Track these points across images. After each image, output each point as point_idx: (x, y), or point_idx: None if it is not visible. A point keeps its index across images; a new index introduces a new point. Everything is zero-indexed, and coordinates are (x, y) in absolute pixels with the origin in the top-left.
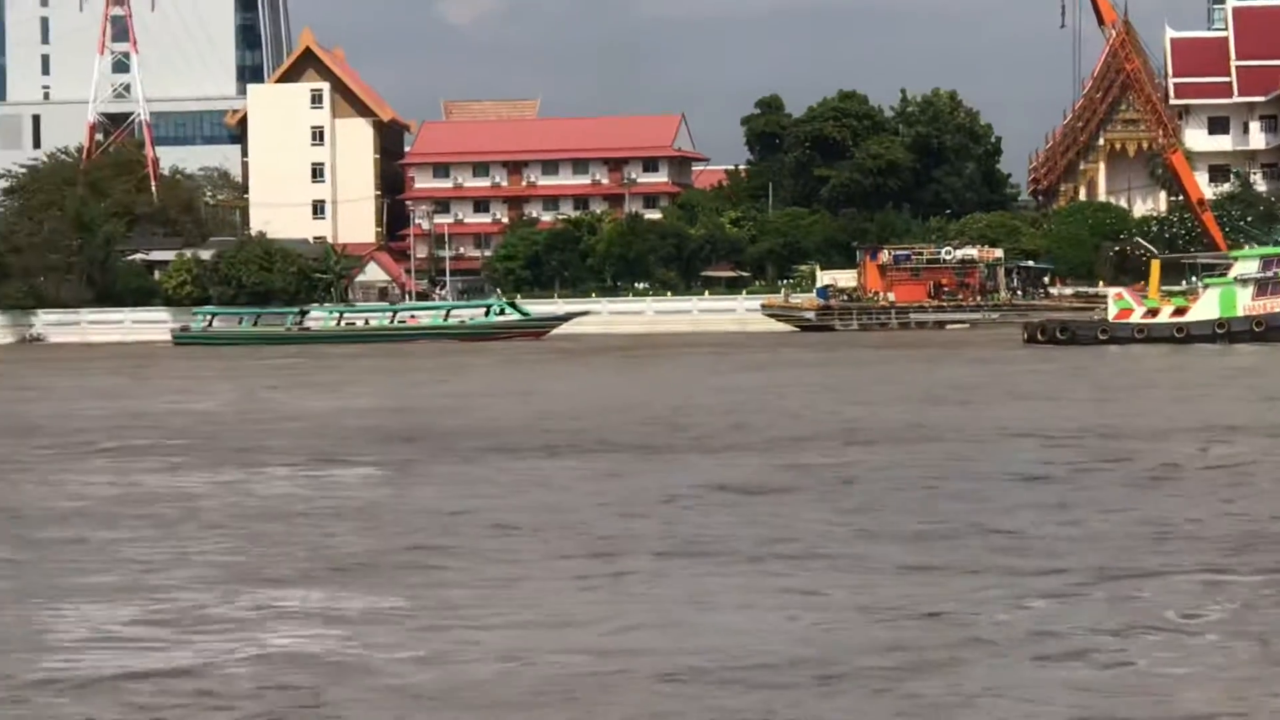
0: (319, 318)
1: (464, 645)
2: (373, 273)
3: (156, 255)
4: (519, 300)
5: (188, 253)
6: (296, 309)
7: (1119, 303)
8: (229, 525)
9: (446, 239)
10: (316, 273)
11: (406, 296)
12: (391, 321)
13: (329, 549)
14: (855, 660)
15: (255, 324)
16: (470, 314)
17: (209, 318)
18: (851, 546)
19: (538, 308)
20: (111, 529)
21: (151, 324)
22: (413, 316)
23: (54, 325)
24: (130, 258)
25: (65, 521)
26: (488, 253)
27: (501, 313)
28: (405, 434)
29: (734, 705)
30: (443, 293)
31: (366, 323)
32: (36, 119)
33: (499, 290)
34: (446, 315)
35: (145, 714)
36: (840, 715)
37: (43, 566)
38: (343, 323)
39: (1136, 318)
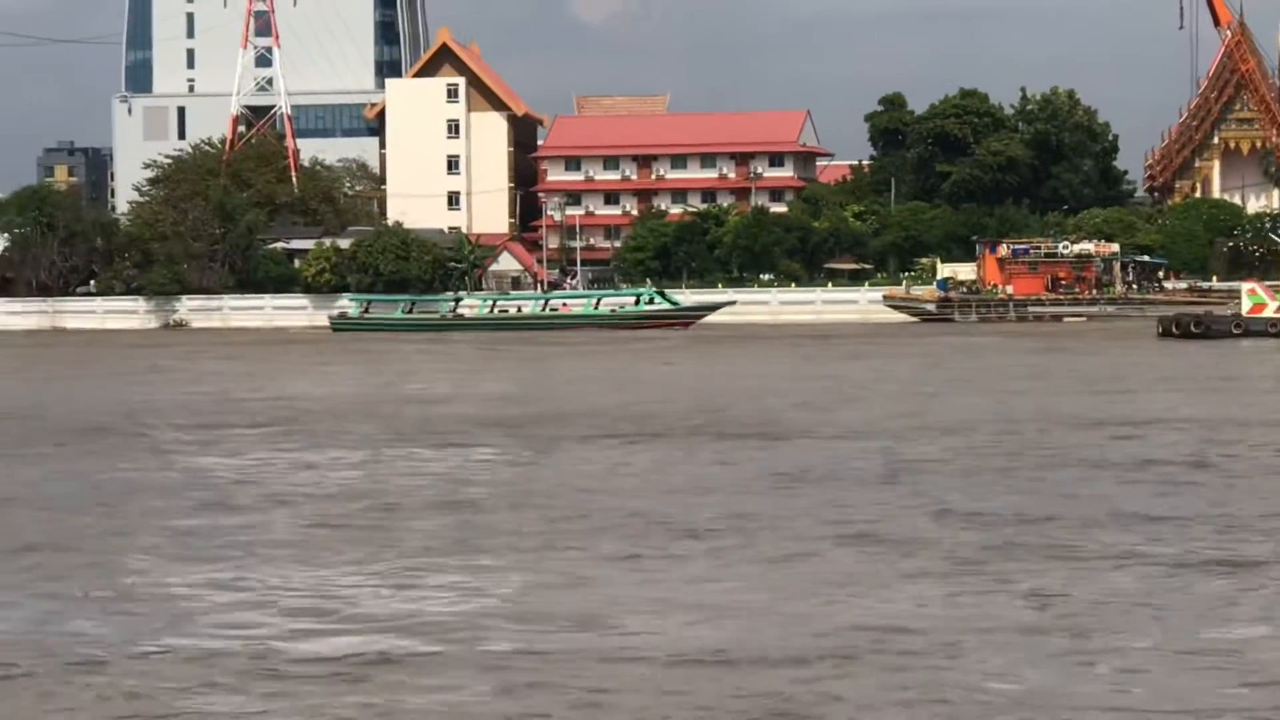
0: (473, 305)
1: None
2: (506, 262)
3: (296, 244)
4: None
5: (326, 241)
6: (452, 296)
7: (1252, 298)
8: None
9: (577, 230)
10: (451, 262)
11: (538, 286)
12: (543, 309)
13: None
14: None
15: (411, 310)
16: (620, 302)
17: (365, 304)
18: None
19: (685, 298)
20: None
21: (291, 310)
22: (564, 304)
23: (197, 310)
24: (271, 246)
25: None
26: (617, 243)
27: (651, 301)
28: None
29: None
30: (573, 282)
31: (519, 310)
32: (182, 111)
33: (647, 280)
34: (597, 304)
35: None
36: None
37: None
38: (496, 310)
39: (1270, 312)
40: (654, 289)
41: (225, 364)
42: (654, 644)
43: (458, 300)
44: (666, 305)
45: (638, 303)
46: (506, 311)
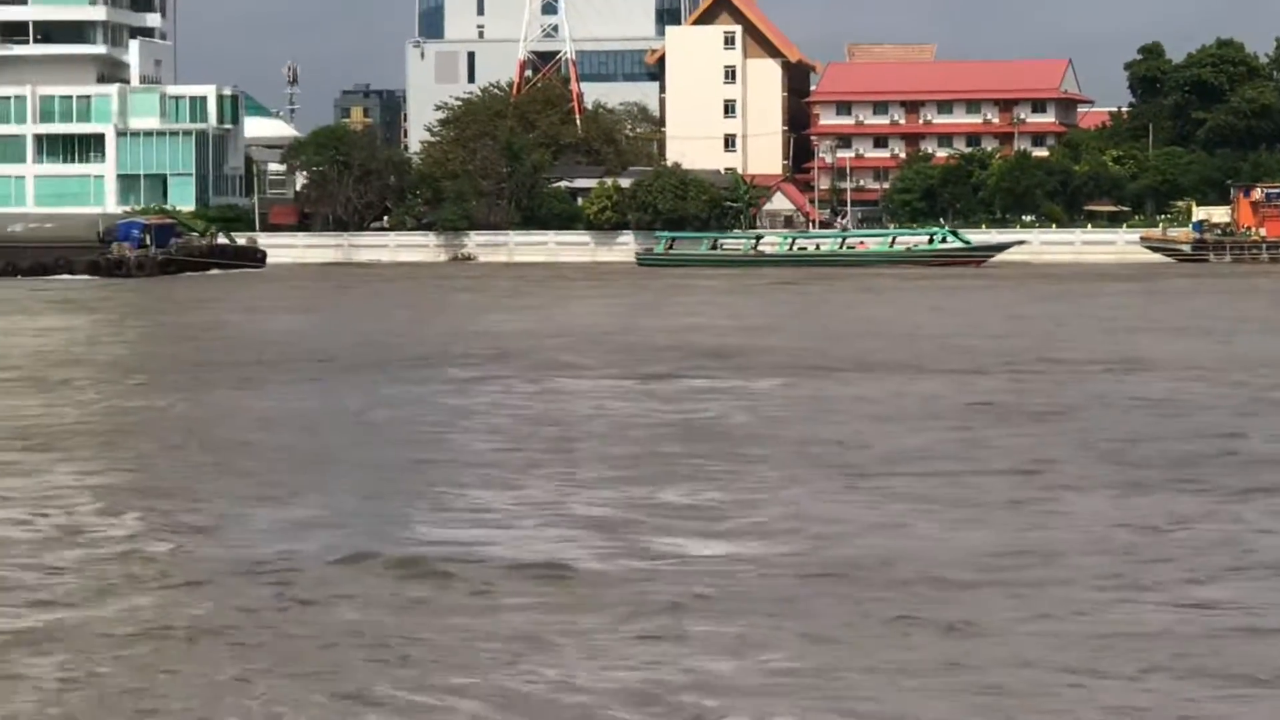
0: (773, 242)
1: None
2: (779, 202)
3: (579, 183)
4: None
5: (608, 181)
6: (754, 233)
7: None
8: None
9: (848, 172)
10: (727, 201)
11: (810, 225)
12: (840, 247)
13: None
14: None
15: (714, 247)
16: (914, 241)
17: (670, 240)
18: None
19: (976, 237)
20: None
21: (574, 246)
22: (861, 243)
23: (484, 245)
24: (555, 185)
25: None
26: (885, 185)
27: (944, 240)
28: None
29: None
30: (844, 221)
31: (818, 247)
32: (471, 56)
33: (940, 220)
34: (893, 242)
35: None
36: None
37: None
38: (795, 247)
39: None
40: (947, 228)
41: (580, 301)
42: None
43: (758, 238)
44: (959, 244)
45: (931, 241)
46: (805, 249)
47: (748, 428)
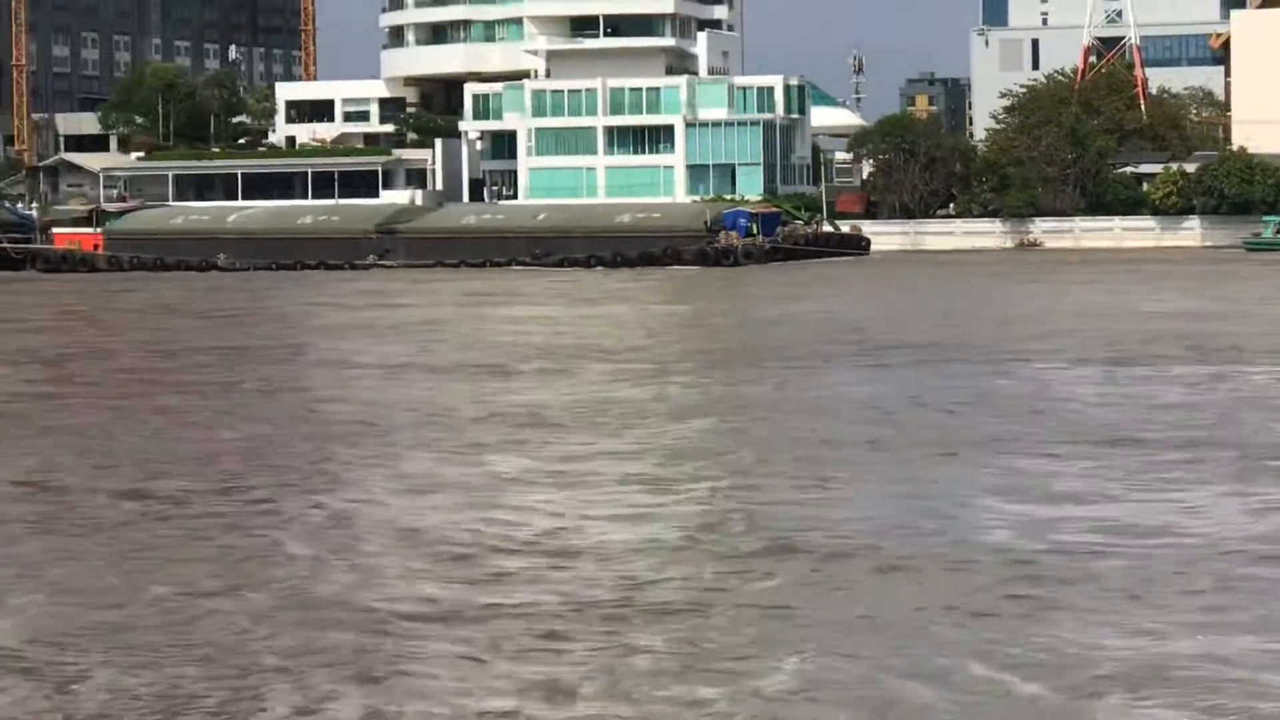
0: None
1: None
2: None
3: (1144, 168)
4: None
5: (1173, 166)
6: None
7: None
8: None
9: None
10: None
11: None
12: None
13: None
14: None
15: None
16: None
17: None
18: None
19: None
20: None
21: (1139, 231)
22: None
23: (1049, 232)
24: (1119, 170)
25: None
26: None
27: None
28: None
29: None
30: None
31: None
32: (1035, 43)
33: None
34: None
35: None
36: None
37: None
38: None
39: None
40: None
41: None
42: None
43: None
44: None
45: None
46: None
47: None
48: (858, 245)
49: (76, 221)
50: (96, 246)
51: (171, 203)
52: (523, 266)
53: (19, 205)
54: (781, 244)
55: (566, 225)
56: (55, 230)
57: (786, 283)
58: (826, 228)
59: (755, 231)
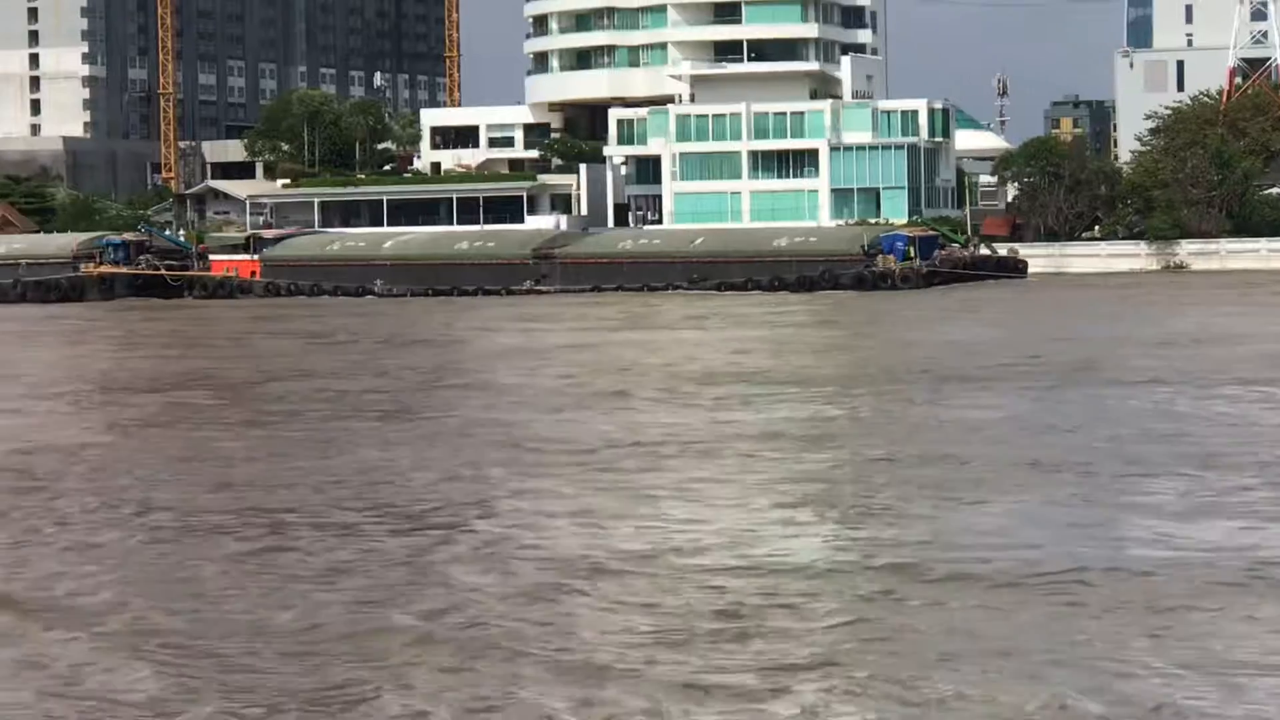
0: None
1: None
2: None
3: None
4: None
5: None
6: None
7: None
8: None
9: None
10: None
11: None
12: None
13: None
14: None
15: None
16: None
17: None
18: None
19: None
20: None
21: None
22: None
23: (1195, 253)
24: (1265, 191)
25: None
26: None
27: None
28: None
29: None
30: None
31: None
32: (1180, 64)
33: None
34: None
35: None
36: None
37: None
38: None
39: None
40: None
41: None
42: None
43: None
44: None
45: None
46: None
47: None
48: (1014, 268)
49: (233, 248)
50: (253, 273)
51: (327, 229)
52: (680, 291)
53: (168, 231)
54: (939, 267)
55: (723, 250)
56: (212, 257)
57: (947, 306)
58: (984, 250)
59: (913, 255)
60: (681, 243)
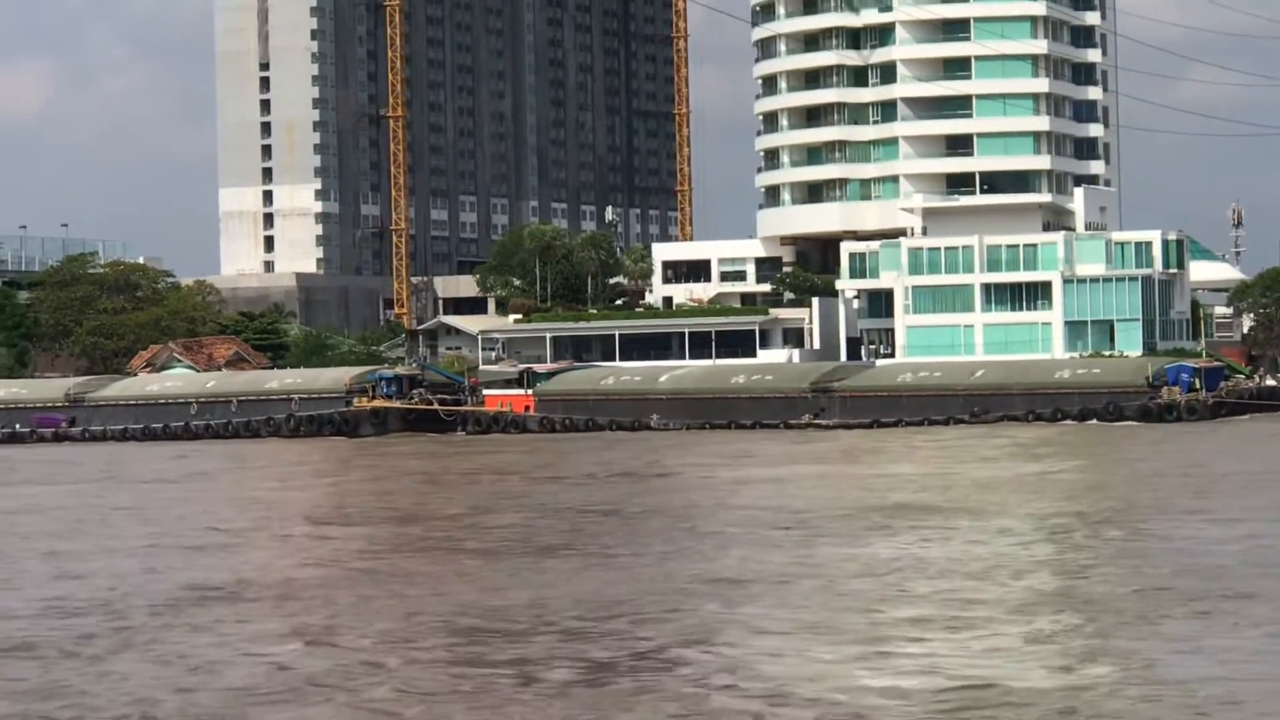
0: None
1: None
2: None
3: None
4: None
5: None
6: None
7: None
8: None
9: None
10: None
11: None
12: None
13: None
14: None
15: None
16: None
17: None
18: None
19: None
20: None
21: None
22: None
23: None
24: None
25: None
26: None
27: None
28: None
29: None
30: None
31: None
32: None
33: None
34: None
35: None
36: None
37: None
38: None
39: None
40: None
41: None
42: None
43: None
44: None
45: None
46: None
47: None
48: None
49: (506, 383)
50: (527, 408)
51: (600, 363)
52: (962, 425)
53: (423, 362)
54: (1225, 398)
55: (1005, 382)
56: (486, 392)
57: (1241, 436)
58: (1270, 381)
59: (1198, 386)
60: (962, 375)
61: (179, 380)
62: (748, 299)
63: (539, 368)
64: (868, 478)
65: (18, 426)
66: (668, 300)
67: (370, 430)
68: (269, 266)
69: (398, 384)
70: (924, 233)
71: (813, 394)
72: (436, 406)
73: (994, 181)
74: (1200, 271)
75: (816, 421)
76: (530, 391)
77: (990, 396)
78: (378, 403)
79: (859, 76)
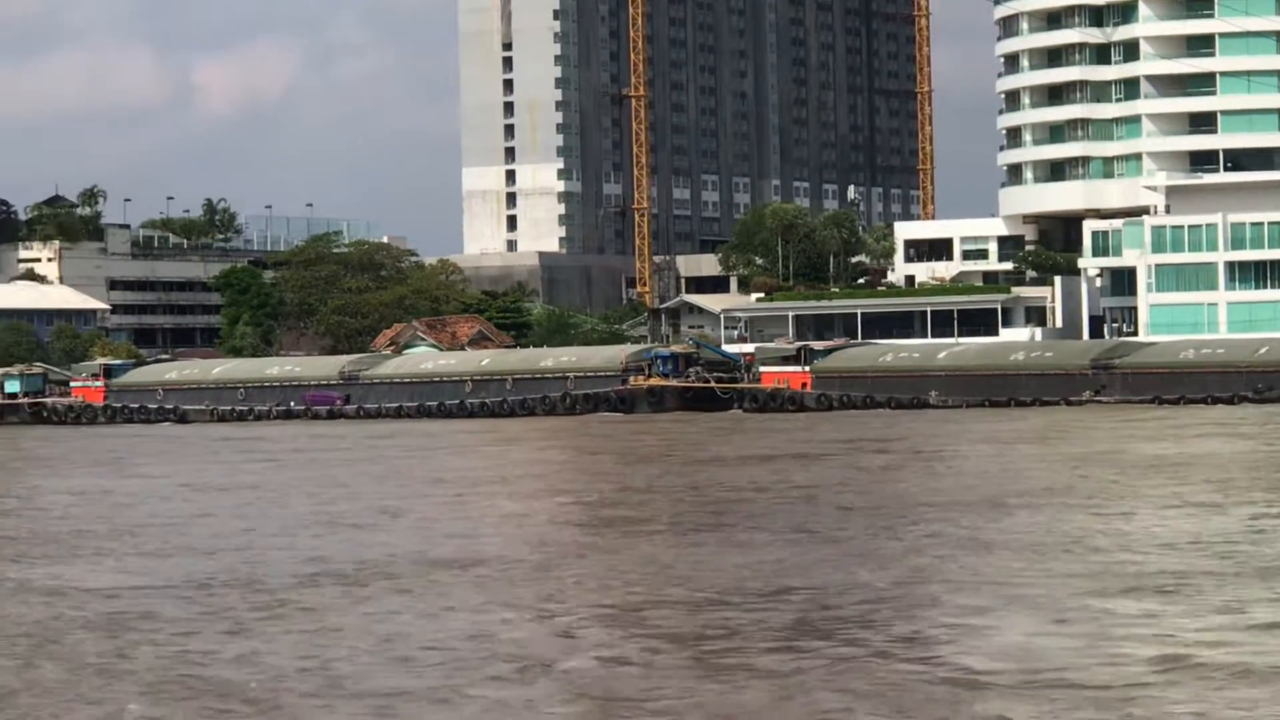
0: None
1: None
2: None
3: None
4: None
5: None
6: None
7: None
8: None
9: None
10: None
11: None
12: None
13: None
14: None
15: None
16: None
17: None
18: None
19: None
20: None
21: None
22: None
23: None
24: None
25: None
26: None
27: None
28: None
29: None
30: None
31: None
32: None
33: None
34: None
35: None
36: None
37: None
38: None
39: None
40: None
41: None
42: None
43: None
44: None
45: None
46: None
47: None
48: None
49: (782, 359)
50: (805, 385)
51: (874, 340)
52: (1244, 402)
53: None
54: None
55: None
56: (762, 369)
57: None
58: None
59: None
60: (1245, 352)
61: (453, 359)
62: (989, 277)
63: (817, 345)
64: None
65: (293, 404)
66: (910, 279)
67: (646, 408)
68: (512, 246)
69: (674, 362)
70: (1167, 211)
71: (1094, 370)
72: (714, 384)
73: (1237, 159)
74: None
75: (1098, 398)
76: (807, 368)
77: (1274, 373)
78: (654, 381)
79: (1102, 54)
